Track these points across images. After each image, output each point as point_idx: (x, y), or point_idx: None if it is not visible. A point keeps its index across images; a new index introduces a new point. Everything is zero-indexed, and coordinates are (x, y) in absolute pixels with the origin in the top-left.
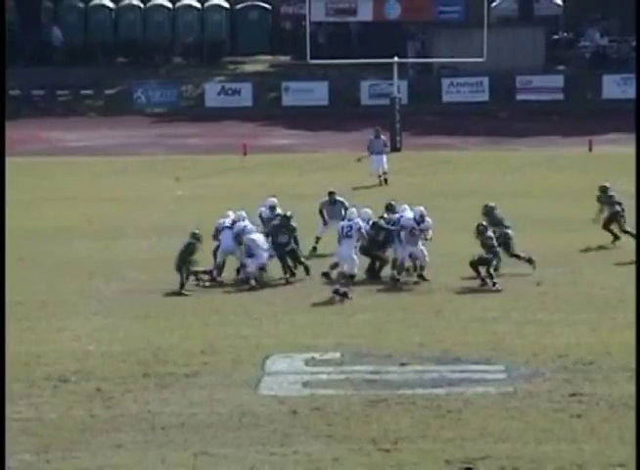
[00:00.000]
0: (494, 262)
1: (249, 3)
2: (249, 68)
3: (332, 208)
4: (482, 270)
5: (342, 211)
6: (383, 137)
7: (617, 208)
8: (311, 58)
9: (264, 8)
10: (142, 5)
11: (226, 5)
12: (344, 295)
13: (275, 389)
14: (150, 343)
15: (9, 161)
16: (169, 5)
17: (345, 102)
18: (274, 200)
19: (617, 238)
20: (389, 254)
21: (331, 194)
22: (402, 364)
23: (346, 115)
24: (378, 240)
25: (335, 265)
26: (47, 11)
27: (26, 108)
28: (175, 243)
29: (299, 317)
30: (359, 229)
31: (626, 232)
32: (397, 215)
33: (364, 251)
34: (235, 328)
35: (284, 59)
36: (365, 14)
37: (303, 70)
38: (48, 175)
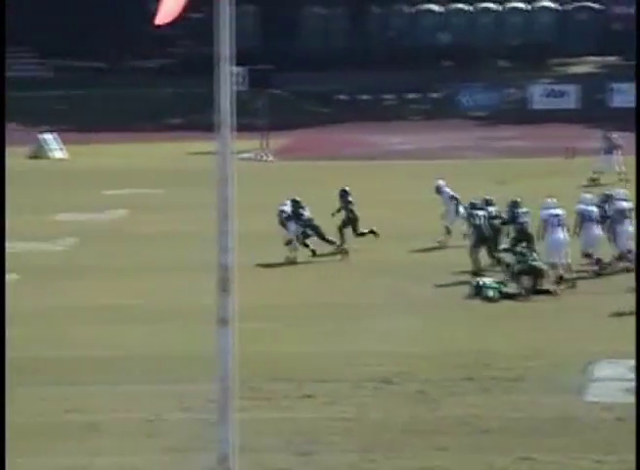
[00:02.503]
0: None
1: (578, 4)
2: (575, 69)
3: None
4: None
5: None
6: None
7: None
8: None
9: (594, 9)
10: (470, 8)
11: (554, 6)
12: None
13: (600, 395)
14: (472, 346)
15: (333, 164)
16: (496, 8)
17: None
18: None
19: (340, 244)
20: None
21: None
22: None
23: None
24: None
25: None
26: (375, 17)
27: (353, 112)
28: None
29: (623, 322)
30: None
31: (360, 235)
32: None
33: None
34: (558, 332)
35: (612, 59)
36: None
37: (632, 71)
38: (364, 178)
